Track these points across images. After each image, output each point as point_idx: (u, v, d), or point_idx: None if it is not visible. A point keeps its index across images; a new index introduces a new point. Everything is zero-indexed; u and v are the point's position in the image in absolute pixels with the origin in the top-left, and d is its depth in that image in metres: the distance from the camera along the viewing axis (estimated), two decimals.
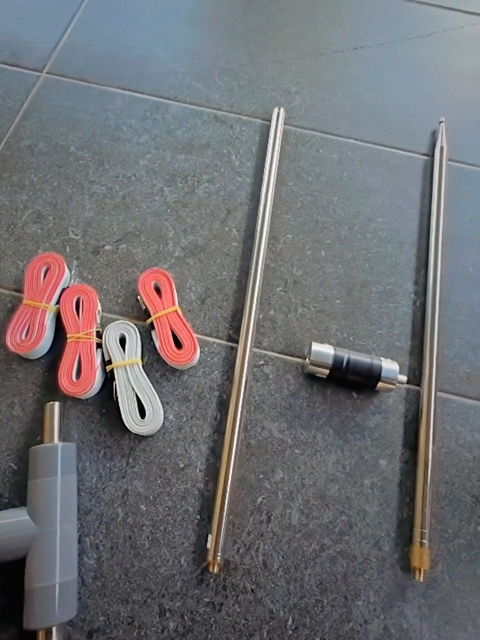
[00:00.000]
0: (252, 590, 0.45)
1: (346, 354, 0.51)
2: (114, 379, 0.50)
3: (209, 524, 0.47)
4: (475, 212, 0.64)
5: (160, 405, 0.50)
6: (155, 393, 0.50)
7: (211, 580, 0.46)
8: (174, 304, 0.54)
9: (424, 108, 0.72)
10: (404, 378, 0.51)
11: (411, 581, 0.46)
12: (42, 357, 0.53)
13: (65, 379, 0.49)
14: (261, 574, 0.46)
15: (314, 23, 0.79)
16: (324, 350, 0.52)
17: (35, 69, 0.72)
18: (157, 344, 0.52)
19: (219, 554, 0.45)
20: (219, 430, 0.51)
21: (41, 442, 0.48)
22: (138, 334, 0.52)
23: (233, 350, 0.55)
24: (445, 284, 0.59)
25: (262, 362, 0.54)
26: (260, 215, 0.60)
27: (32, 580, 0.41)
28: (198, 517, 0.48)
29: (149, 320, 0.53)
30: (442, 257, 0.59)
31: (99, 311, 0.54)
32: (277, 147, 0.66)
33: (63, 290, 0.54)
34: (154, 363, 0.53)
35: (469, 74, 0.76)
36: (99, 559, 0.46)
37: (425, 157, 0.68)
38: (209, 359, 0.54)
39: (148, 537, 0.47)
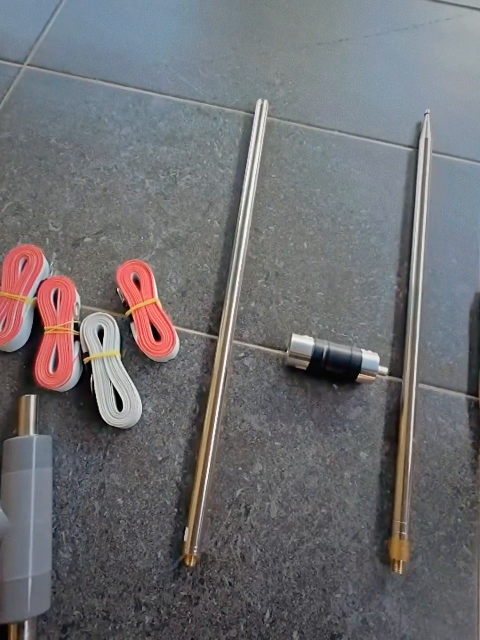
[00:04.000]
0: (229, 583, 0.45)
1: (326, 346, 0.51)
2: (92, 372, 0.49)
3: (187, 517, 0.46)
4: (459, 204, 0.64)
5: (139, 398, 0.49)
6: (133, 385, 0.49)
7: (188, 574, 0.45)
8: (153, 296, 0.53)
9: (409, 100, 0.72)
10: (384, 369, 0.51)
11: (390, 574, 0.46)
12: (19, 349, 0.52)
13: (42, 372, 0.49)
14: (239, 567, 0.45)
15: (298, 15, 0.79)
16: (303, 341, 0.51)
17: (16, 61, 0.71)
18: (136, 336, 0.51)
19: (196, 547, 0.44)
20: (198, 422, 0.50)
21: (17, 435, 0.48)
22: (116, 326, 0.52)
23: (213, 342, 0.54)
24: (428, 275, 0.59)
25: (242, 354, 0.54)
26: (242, 207, 0.60)
27: (4, 573, 0.40)
28: (176, 510, 0.47)
29: (128, 313, 0.53)
30: (425, 249, 0.59)
31: (77, 303, 0.53)
32: (260, 139, 0.65)
33: (42, 282, 0.54)
34: (132, 356, 0.53)
35: (454, 66, 0.76)
36: (75, 553, 0.45)
37: (410, 149, 0.68)
38: (188, 351, 0.54)
39: (125, 531, 0.46)
